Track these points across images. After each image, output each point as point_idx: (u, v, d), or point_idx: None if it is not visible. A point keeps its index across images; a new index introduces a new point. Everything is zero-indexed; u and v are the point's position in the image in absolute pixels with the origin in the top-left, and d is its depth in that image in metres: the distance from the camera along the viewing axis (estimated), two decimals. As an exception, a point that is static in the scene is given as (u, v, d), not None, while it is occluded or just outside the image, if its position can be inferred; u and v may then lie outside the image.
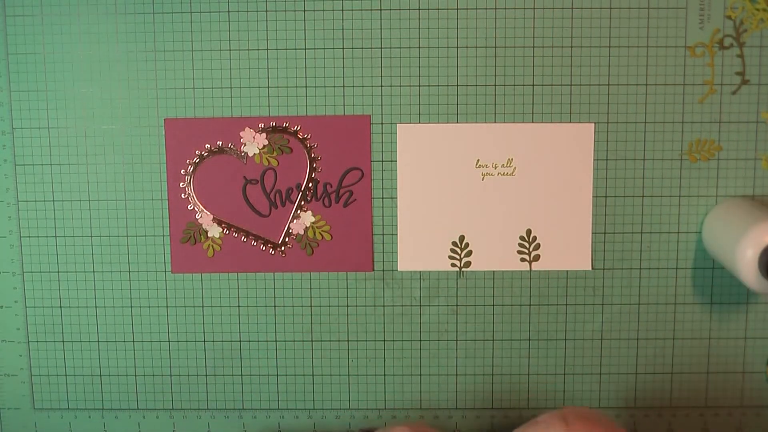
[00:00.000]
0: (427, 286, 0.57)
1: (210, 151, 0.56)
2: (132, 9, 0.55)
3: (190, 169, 0.56)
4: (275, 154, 0.56)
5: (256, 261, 0.57)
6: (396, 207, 0.56)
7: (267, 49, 0.55)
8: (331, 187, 0.56)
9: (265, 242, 0.56)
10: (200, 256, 0.57)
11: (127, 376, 0.58)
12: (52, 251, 0.57)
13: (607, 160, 0.56)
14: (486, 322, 0.57)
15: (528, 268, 0.56)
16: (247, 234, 0.56)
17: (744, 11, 0.54)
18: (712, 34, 0.54)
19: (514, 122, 0.55)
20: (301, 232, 0.56)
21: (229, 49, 0.55)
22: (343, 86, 0.55)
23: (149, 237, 0.57)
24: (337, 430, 0.58)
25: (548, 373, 0.58)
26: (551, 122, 0.55)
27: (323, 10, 0.55)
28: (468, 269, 0.57)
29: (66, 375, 0.58)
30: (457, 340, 0.58)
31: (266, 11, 0.55)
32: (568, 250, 0.56)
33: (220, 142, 0.56)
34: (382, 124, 0.56)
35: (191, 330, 0.58)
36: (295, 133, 0.56)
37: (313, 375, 0.58)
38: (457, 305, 0.57)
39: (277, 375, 0.58)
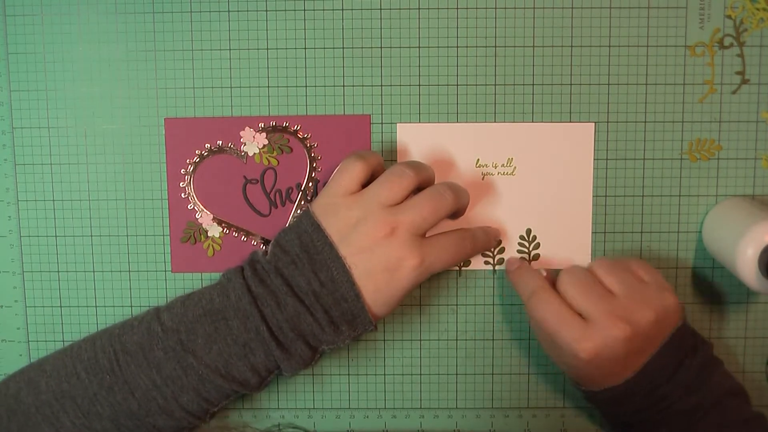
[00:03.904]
0: (427, 285, 0.57)
1: (210, 151, 0.56)
2: (132, 9, 0.55)
3: (190, 168, 0.56)
4: (275, 153, 0.56)
5: (256, 261, 0.57)
6: (396, 207, 0.56)
7: (267, 49, 0.55)
8: (331, 186, 0.56)
9: (266, 242, 0.56)
10: (200, 255, 0.57)
11: (127, 376, 0.58)
12: (52, 251, 0.57)
13: (607, 159, 0.56)
14: (486, 321, 0.57)
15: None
16: (248, 234, 0.56)
17: (744, 11, 0.54)
18: (712, 33, 0.55)
19: (514, 122, 0.55)
20: (301, 232, 0.56)
21: (229, 49, 0.55)
22: (343, 86, 0.55)
23: (149, 236, 0.57)
24: (337, 430, 0.58)
25: (548, 373, 0.58)
26: (551, 122, 0.55)
27: (323, 10, 0.55)
28: (468, 268, 0.57)
29: (66, 375, 0.58)
30: (457, 340, 0.58)
31: (266, 11, 0.55)
32: (568, 249, 0.56)
33: (220, 142, 0.56)
34: (382, 123, 0.56)
35: (191, 330, 0.58)
36: (295, 132, 0.56)
37: (312, 375, 0.58)
38: (457, 305, 0.57)
39: (277, 374, 0.58)
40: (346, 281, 0.48)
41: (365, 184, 0.51)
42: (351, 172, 0.50)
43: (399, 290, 0.49)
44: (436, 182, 0.55)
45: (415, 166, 0.51)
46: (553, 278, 0.54)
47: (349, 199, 0.49)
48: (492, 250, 0.56)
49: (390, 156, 0.56)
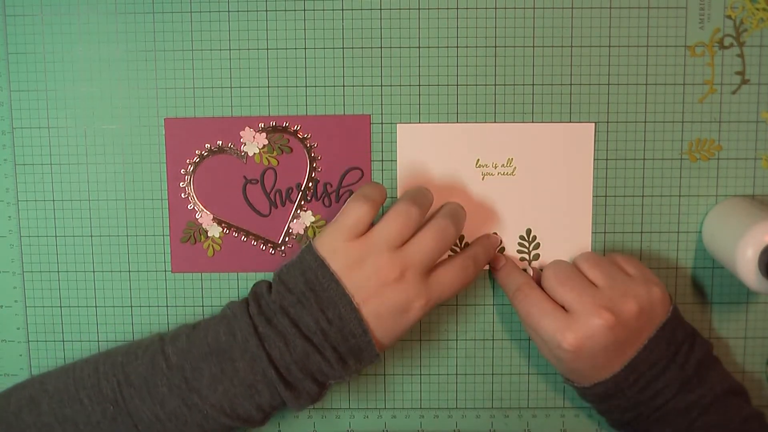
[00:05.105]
0: (427, 285, 0.57)
1: (210, 151, 0.56)
2: (132, 9, 0.55)
3: (190, 168, 0.56)
4: (275, 153, 0.56)
5: (256, 261, 0.57)
6: (396, 207, 0.56)
7: (267, 49, 0.55)
8: (331, 186, 0.56)
9: (265, 242, 0.56)
10: (200, 255, 0.57)
11: (127, 376, 0.58)
12: (52, 251, 0.57)
13: (607, 159, 0.56)
14: (486, 321, 0.57)
15: (528, 267, 0.56)
16: (247, 234, 0.56)
17: (744, 11, 0.54)
18: (712, 33, 0.55)
19: (514, 122, 0.55)
20: (301, 232, 0.56)
21: (229, 49, 0.55)
22: (343, 86, 0.55)
23: (149, 237, 0.57)
24: (337, 430, 0.58)
25: (548, 373, 0.58)
26: (551, 122, 0.55)
27: (323, 10, 0.55)
28: (468, 269, 0.57)
29: (66, 375, 0.58)
30: (457, 340, 0.58)
31: (266, 11, 0.55)
32: (568, 249, 0.56)
33: (220, 142, 0.56)
34: (382, 123, 0.56)
35: (191, 330, 0.58)
36: (295, 132, 0.56)
37: (313, 375, 0.58)
38: (457, 305, 0.57)
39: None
40: (354, 318, 0.48)
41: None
42: (357, 215, 0.49)
43: (406, 327, 0.49)
44: (434, 183, 0.55)
45: (418, 202, 0.50)
46: (539, 276, 0.54)
47: (356, 243, 0.49)
48: (492, 250, 0.56)
49: (390, 156, 0.56)
